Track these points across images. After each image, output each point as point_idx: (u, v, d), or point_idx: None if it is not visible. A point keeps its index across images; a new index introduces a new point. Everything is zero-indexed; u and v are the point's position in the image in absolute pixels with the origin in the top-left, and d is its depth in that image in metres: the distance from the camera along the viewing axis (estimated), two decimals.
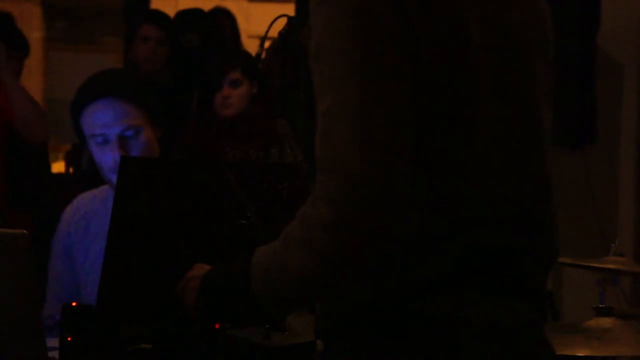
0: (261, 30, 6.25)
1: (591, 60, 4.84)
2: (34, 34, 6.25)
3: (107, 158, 2.83)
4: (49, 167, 5.37)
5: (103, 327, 2.17)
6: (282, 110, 4.42)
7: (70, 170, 5.78)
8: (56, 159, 6.04)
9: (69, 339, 2.25)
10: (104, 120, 2.83)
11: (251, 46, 5.73)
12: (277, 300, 1.77)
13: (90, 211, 2.98)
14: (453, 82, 1.75)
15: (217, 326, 2.01)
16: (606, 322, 2.80)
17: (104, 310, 2.13)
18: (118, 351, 2.14)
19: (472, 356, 1.75)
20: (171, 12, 5.60)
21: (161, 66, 5.05)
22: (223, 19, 5.57)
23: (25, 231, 2.32)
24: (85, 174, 4.61)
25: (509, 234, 1.80)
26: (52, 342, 2.32)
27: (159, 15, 5.29)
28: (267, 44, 5.08)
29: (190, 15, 5.45)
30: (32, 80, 5.85)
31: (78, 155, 5.18)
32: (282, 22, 3.73)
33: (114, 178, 2.82)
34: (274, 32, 3.85)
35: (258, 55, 4.39)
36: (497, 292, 1.79)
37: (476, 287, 1.77)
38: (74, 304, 2.33)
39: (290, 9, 5.45)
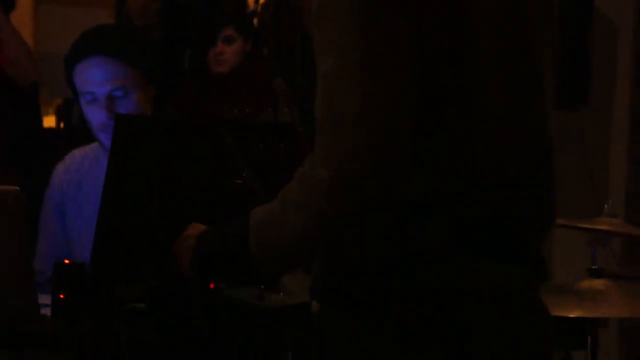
0: None
1: (588, 21, 4.82)
2: None
3: (95, 117, 2.83)
4: (41, 121, 5.34)
5: (96, 286, 2.17)
6: (278, 68, 4.41)
7: (61, 125, 5.76)
8: (47, 114, 6.00)
9: (61, 296, 2.26)
10: (92, 79, 2.81)
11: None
12: (273, 261, 1.78)
13: (82, 169, 2.98)
14: (455, 50, 1.74)
15: (212, 286, 2.02)
16: (599, 283, 2.82)
17: (97, 269, 2.13)
18: (111, 311, 2.14)
19: (470, 322, 1.75)
20: None
21: (153, 21, 5.01)
22: None
23: (17, 188, 2.32)
24: (76, 129, 4.59)
25: (509, 201, 1.80)
26: (44, 298, 2.33)
27: None
28: None
29: None
30: (22, 33, 5.78)
31: (69, 109, 5.17)
32: None
33: (102, 137, 2.82)
34: None
35: (253, 11, 4.38)
36: (496, 258, 1.79)
37: (475, 253, 1.77)
38: (66, 261, 2.33)
39: None
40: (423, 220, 1.74)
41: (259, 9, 4.69)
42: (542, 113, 1.90)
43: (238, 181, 2.04)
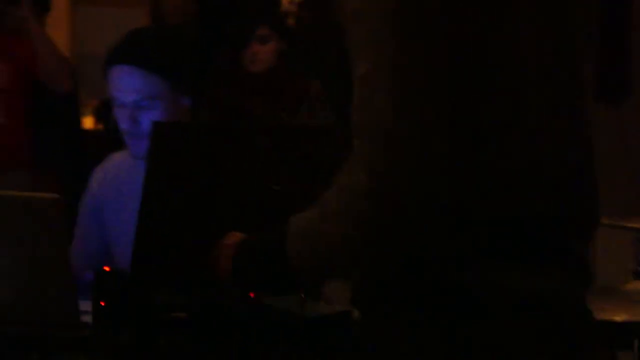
0: None
1: (628, 16, 4.77)
2: None
3: (120, 122, 2.82)
4: (80, 123, 5.35)
5: (137, 294, 2.16)
6: (313, 69, 4.37)
7: (100, 126, 5.77)
8: (84, 115, 6.02)
9: (102, 303, 2.25)
10: (120, 86, 2.80)
11: None
12: (313, 270, 1.77)
13: (121, 172, 2.96)
14: (492, 48, 1.71)
15: (252, 295, 2.00)
16: None
17: (138, 277, 2.12)
18: (152, 319, 2.13)
19: (510, 325, 1.72)
20: None
21: (189, 20, 4.99)
22: None
23: (58, 195, 2.32)
24: (115, 131, 4.58)
25: (551, 203, 1.76)
26: (84, 305, 2.33)
27: None
28: None
29: None
30: (59, 35, 5.81)
31: (107, 111, 5.16)
32: None
33: (128, 141, 2.80)
34: None
35: (288, 10, 4.36)
36: (538, 260, 1.76)
37: (515, 257, 1.73)
38: (106, 268, 2.32)
39: None
40: (461, 224, 1.71)
41: (295, 8, 4.67)
42: (584, 116, 1.86)
43: (275, 187, 2.02)
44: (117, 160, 3.00)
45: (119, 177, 2.96)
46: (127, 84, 2.78)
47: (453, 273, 1.72)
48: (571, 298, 1.82)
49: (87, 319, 2.31)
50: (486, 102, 1.71)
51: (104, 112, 5.41)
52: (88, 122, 5.99)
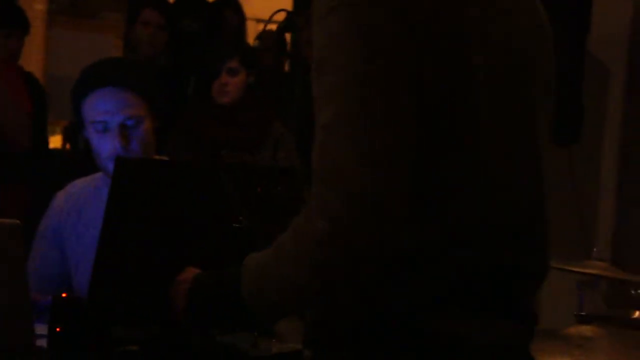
0: (261, 14, 6.20)
1: (580, 63, 4.79)
2: (37, 6, 6.15)
3: (106, 146, 2.75)
4: (47, 143, 5.29)
5: (93, 325, 2.09)
6: (278, 110, 4.37)
7: (67, 146, 5.71)
8: (53, 133, 5.95)
9: (57, 329, 2.19)
10: (105, 108, 2.75)
11: (250, 28, 5.65)
12: (266, 308, 1.71)
13: (83, 198, 2.90)
14: (454, 103, 1.68)
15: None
16: (587, 329, 2.74)
17: (94, 309, 2.06)
18: (106, 351, 2.07)
19: None
20: None
21: (160, 50, 4.96)
22: (230, 11, 5.44)
23: (18, 221, 2.26)
24: (82, 153, 4.54)
25: (504, 254, 1.74)
26: (40, 328, 2.26)
27: (161, 0, 5.19)
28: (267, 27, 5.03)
29: (190, 2, 5.36)
30: (34, 56, 5.75)
31: (75, 132, 5.12)
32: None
33: (110, 166, 2.75)
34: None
35: (255, 46, 4.35)
36: (490, 311, 1.73)
37: (469, 306, 1.70)
38: (64, 295, 2.26)
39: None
40: (419, 272, 1.67)
41: (262, 44, 4.67)
42: (539, 171, 1.83)
43: (236, 225, 1.97)
44: (79, 186, 2.95)
45: (80, 201, 2.91)
46: (113, 105, 2.75)
47: (408, 321, 1.68)
48: (519, 349, 1.80)
49: (43, 343, 2.25)
50: (446, 154, 1.68)
51: (72, 133, 5.35)
52: (55, 141, 5.91)
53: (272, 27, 5.03)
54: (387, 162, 1.57)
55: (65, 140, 5.84)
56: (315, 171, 1.60)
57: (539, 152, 1.83)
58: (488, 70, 1.72)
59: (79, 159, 3.02)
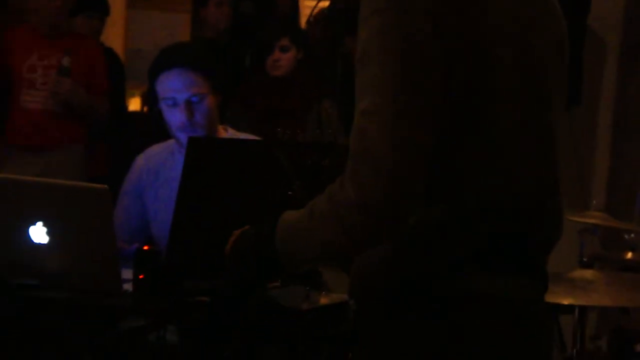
0: None
1: (582, 37, 4.70)
2: None
3: (175, 118, 2.77)
4: (125, 108, 5.28)
5: (169, 276, 2.09)
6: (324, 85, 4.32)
7: (145, 109, 5.70)
8: (133, 96, 5.94)
9: (140, 276, 2.19)
10: (173, 87, 2.75)
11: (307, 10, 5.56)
12: (294, 260, 1.70)
13: (160, 162, 2.90)
14: (478, 92, 1.64)
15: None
16: (588, 273, 2.70)
17: (171, 261, 2.05)
18: (179, 300, 2.06)
19: (492, 327, 1.66)
20: None
21: (224, 29, 4.89)
22: None
23: (106, 186, 2.25)
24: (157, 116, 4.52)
25: (524, 222, 1.71)
26: (126, 273, 2.26)
27: None
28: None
29: None
30: (116, 33, 5.73)
31: (151, 99, 5.09)
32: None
33: (180, 136, 2.77)
34: None
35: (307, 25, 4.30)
36: (510, 271, 1.70)
37: (491, 267, 1.68)
38: (145, 247, 2.26)
39: None
40: (448, 239, 1.66)
41: (311, 23, 4.61)
42: (554, 151, 1.78)
43: (289, 192, 1.94)
44: (156, 151, 2.95)
45: (158, 164, 2.91)
46: (181, 84, 2.74)
47: (438, 281, 1.66)
48: (536, 301, 1.77)
49: (128, 287, 2.25)
50: (474, 141, 1.65)
51: (148, 98, 5.34)
52: (135, 104, 5.90)
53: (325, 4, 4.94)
54: (410, 147, 1.56)
55: (143, 103, 5.82)
56: (351, 150, 1.60)
57: (555, 138, 1.79)
58: (509, 61, 1.68)
59: (154, 120, 3.01)
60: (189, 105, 2.74)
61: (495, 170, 1.67)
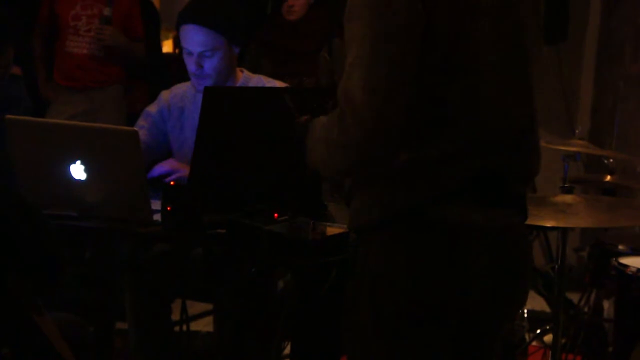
0: None
1: None
2: None
3: (189, 66, 2.75)
4: (161, 51, 5.20)
5: (192, 208, 2.06)
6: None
7: (177, 50, 5.61)
8: (167, 38, 5.83)
9: (168, 208, 2.17)
10: (189, 40, 2.71)
11: None
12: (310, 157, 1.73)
13: (185, 97, 2.85)
14: (459, 38, 1.60)
15: (275, 216, 1.90)
16: (569, 198, 2.65)
17: (193, 195, 2.02)
18: (201, 230, 2.03)
19: (478, 251, 1.65)
20: None
21: None
22: None
23: (134, 129, 2.22)
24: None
25: (503, 158, 1.68)
26: (155, 204, 2.24)
27: None
28: None
29: None
30: None
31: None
32: None
33: (193, 81, 2.73)
34: None
35: None
36: (493, 202, 1.67)
37: (476, 199, 1.65)
38: (172, 183, 2.23)
39: None
40: (434, 175, 1.63)
41: None
42: (530, 90, 1.73)
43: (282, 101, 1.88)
44: (181, 89, 2.91)
45: (183, 100, 2.86)
46: (194, 39, 2.69)
47: (429, 211, 1.63)
48: (516, 227, 1.75)
49: (157, 217, 2.23)
50: (452, 84, 1.62)
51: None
52: (168, 46, 5.81)
53: None
54: (387, 94, 1.56)
55: (175, 46, 5.73)
56: (339, 91, 1.61)
57: (531, 78, 1.73)
58: (492, 13, 1.64)
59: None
60: (201, 57, 2.70)
61: (479, 111, 1.64)
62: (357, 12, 1.59)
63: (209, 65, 2.69)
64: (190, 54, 2.72)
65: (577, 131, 3.19)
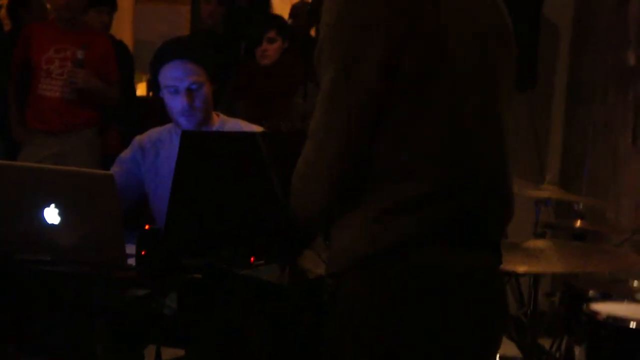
0: None
1: (537, 24, 4.65)
2: None
3: (177, 104, 2.76)
4: (135, 94, 5.22)
5: (168, 253, 2.05)
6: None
7: (150, 94, 5.65)
8: (140, 80, 5.87)
9: (143, 252, 2.16)
10: (175, 76, 2.73)
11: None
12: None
13: (159, 142, 2.87)
14: (433, 80, 1.62)
15: (252, 260, 1.90)
16: (541, 243, 2.68)
17: (169, 241, 2.02)
18: (177, 276, 2.03)
19: (455, 295, 1.66)
20: None
21: (219, 21, 4.84)
22: None
23: (110, 172, 2.22)
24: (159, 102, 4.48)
25: (480, 199, 1.70)
26: (130, 249, 2.23)
27: None
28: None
29: None
30: (124, 26, 5.66)
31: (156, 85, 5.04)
32: None
33: (181, 120, 2.75)
34: None
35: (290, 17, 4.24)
36: (468, 245, 1.69)
37: (455, 243, 1.67)
38: (147, 226, 2.22)
39: None
40: (414, 217, 1.63)
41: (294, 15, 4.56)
42: (503, 136, 1.76)
43: (274, 177, 1.90)
44: (156, 132, 2.92)
45: (157, 145, 2.87)
46: (182, 73, 2.73)
47: (405, 255, 1.64)
48: (489, 272, 1.76)
49: (132, 261, 2.22)
50: (429, 129, 1.62)
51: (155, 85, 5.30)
52: (141, 90, 5.84)
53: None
54: (340, 163, 1.61)
55: (149, 89, 5.77)
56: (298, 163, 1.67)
57: (503, 123, 1.76)
58: (460, 54, 1.66)
59: (158, 105, 2.98)
60: (189, 92, 2.73)
61: (454, 152, 1.65)
62: (322, 65, 1.62)
63: (199, 98, 2.73)
64: (176, 92, 2.74)
65: (547, 177, 3.24)
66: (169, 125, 2.89)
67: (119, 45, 4.80)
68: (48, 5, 4.54)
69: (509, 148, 1.78)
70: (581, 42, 4.69)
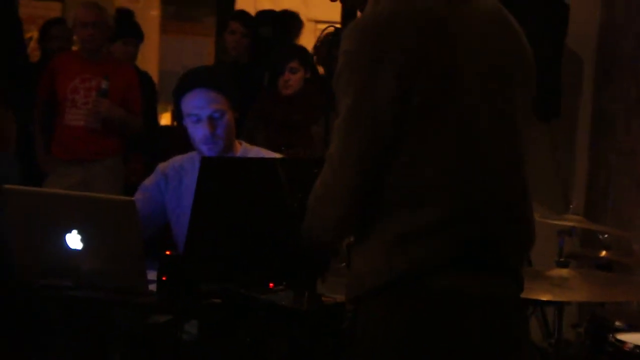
0: (318, 14, 6.04)
1: (560, 55, 4.64)
2: (152, 12, 6.12)
3: (199, 132, 2.75)
4: (158, 123, 5.26)
5: (188, 278, 2.05)
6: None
7: (175, 123, 5.70)
8: (165, 111, 5.94)
9: (163, 278, 2.16)
10: (198, 104, 2.74)
11: (307, 28, 5.54)
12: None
13: (182, 169, 2.88)
14: (441, 112, 1.64)
15: (271, 285, 1.90)
16: (565, 272, 2.65)
17: (189, 269, 2.02)
18: (197, 300, 2.03)
19: (472, 319, 1.66)
20: (250, 9, 5.42)
21: (243, 52, 4.89)
22: (293, 20, 5.33)
23: (132, 198, 2.23)
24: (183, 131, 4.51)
25: (496, 224, 1.70)
26: (151, 275, 2.24)
27: (244, 14, 5.11)
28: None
29: (267, 14, 5.27)
30: (151, 56, 5.73)
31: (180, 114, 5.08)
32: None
33: (203, 148, 2.76)
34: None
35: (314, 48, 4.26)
36: (488, 270, 1.69)
37: (471, 267, 1.67)
38: (168, 252, 2.23)
39: None
40: (430, 242, 1.64)
41: (317, 47, 4.59)
42: (521, 162, 1.75)
43: (293, 204, 1.90)
44: (179, 160, 2.92)
45: (181, 171, 2.88)
46: (204, 101, 2.73)
47: (423, 280, 1.64)
48: (510, 299, 1.76)
49: (153, 287, 2.22)
50: (445, 152, 1.63)
51: (178, 114, 5.35)
52: (166, 119, 5.90)
53: (331, 29, 4.87)
54: (351, 193, 1.66)
55: (173, 119, 5.83)
56: (316, 184, 1.71)
57: (521, 150, 1.76)
58: (477, 87, 1.66)
59: (183, 134, 3.01)
60: (211, 120, 2.73)
61: (469, 177, 1.66)
62: (338, 92, 1.65)
63: (221, 127, 2.73)
64: (198, 120, 2.74)
65: (571, 206, 3.21)
66: (192, 153, 2.90)
67: (144, 75, 4.85)
68: (75, 37, 4.60)
69: (527, 173, 1.78)
70: (604, 72, 4.67)
